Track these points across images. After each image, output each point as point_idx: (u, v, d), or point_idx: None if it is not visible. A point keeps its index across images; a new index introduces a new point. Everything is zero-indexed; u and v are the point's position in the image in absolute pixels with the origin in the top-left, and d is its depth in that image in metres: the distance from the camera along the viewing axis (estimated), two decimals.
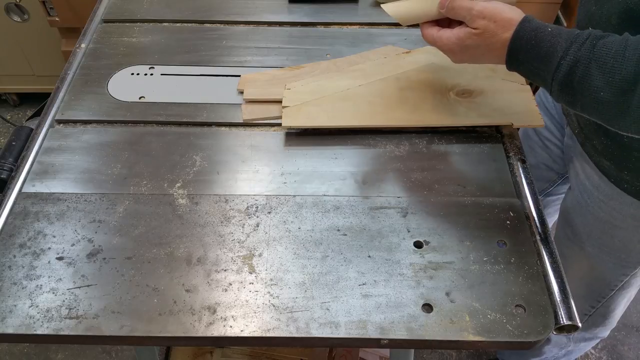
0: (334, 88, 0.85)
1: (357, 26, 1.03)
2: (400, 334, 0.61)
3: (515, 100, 0.84)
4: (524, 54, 0.64)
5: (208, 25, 1.02)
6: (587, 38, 0.60)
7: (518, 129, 0.83)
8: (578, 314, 1.02)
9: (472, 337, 0.60)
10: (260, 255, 0.68)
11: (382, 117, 0.82)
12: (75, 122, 0.84)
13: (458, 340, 0.61)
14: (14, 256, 0.67)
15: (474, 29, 0.67)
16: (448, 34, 0.71)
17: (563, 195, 1.10)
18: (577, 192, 0.89)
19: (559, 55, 0.61)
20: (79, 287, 0.64)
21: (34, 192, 0.74)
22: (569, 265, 0.96)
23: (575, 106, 0.63)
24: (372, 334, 0.61)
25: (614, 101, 0.58)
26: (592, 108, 0.61)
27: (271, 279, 0.65)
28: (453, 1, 0.71)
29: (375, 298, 0.64)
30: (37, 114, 0.86)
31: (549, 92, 0.64)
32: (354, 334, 0.61)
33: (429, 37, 0.73)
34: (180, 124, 0.84)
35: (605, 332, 1.09)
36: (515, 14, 0.66)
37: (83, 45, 0.96)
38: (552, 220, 1.23)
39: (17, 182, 0.75)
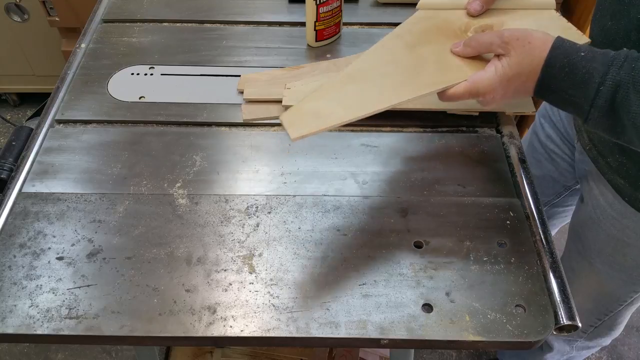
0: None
1: (357, 26, 1.03)
2: (400, 334, 0.61)
3: None
4: (556, 82, 0.61)
5: (208, 25, 1.02)
6: (625, 60, 0.57)
7: (517, 126, 0.83)
8: (583, 326, 1.02)
9: (472, 337, 0.60)
10: (260, 255, 0.68)
11: (408, 88, 0.68)
12: (75, 122, 0.84)
13: (458, 340, 0.61)
14: (14, 256, 0.67)
15: (509, 55, 0.63)
16: (486, 75, 0.65)
17: (570, 207, 1.08)
18: (590, 208, 0.87)
19: (597, 80, 0.58)
20: (79, 287, 0.64)
21: (34, 192, 0.74)
22: (577, 280, 0.95)
23: (614, 132, 0.60)
24: (372, 334, 0.61)
25: None
26: (633, 134, 0.58)
27: (271, 279, 0.65)
28: (475, 35, 0.67)
29: (375, 298, 0.64)
30: (37, 114, 0.86)
31: (583, 120, 0.61)
32: (354, 334, 0.61)
33: (459, 93, 0.66)
34: (180, 124, 0.84)
35: (608, 341, 1.08)
36: (545, 35, 0.62)
37: (83, 45, 0.97)
38: (555, 230, 1.23)
39: (17, 182, 0.75)
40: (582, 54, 0.59)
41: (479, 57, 0.70)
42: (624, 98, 0.56)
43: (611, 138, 0.62)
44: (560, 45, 0.61)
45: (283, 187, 0.75)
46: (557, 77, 0.61)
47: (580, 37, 0.71)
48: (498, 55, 0.65)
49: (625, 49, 0.59)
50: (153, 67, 0.93)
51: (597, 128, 0.62)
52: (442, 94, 0.69)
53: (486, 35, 0.66)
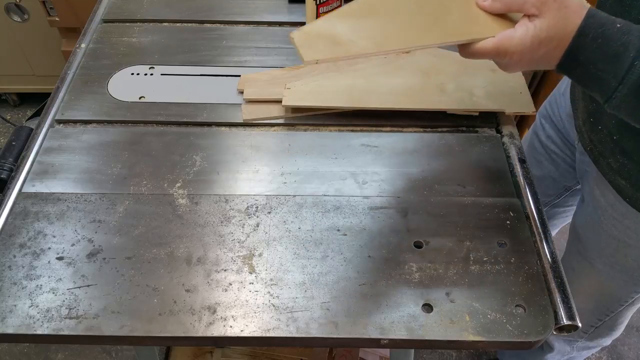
0: (334, 87, 0.85)
1: None
2: (400, 334, 0.61)
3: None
4: (586, 53, 0.57)
5: (208, 25, 1.02)
6: None
7: (517, 126, 0.83)
8: (584, 327, 1.02)
9: (472, 337, 0.60)
10: (260, 255, 0.68)
11: (434, 33, 0.64)
12: (75, 122, 0.84)
13: (458, 340, 0.61)
14: (14, 256, 0.67)
15: (542, 17, 0.58)
16: (517, 34, 0.60)
17: (570, 207, 1.08)
18: (590, 208, 0.86)
19: (632, 54, 0.54)
20: (79, 287, 0.64)
21: (34, 192, 0.74)
22: (578, 281, 0.95)
23: (637, 115, 0.58)
24: (372, 334, 0.61)
25: None
26: None
27: (271, 279, 0.65)
28: None
29: (375, 298, 0.64)
30: (37, 114, 0.86)
31: (605, 99, 0.58)
32: (354, 334, 0.61)
33: (486, 49, 0.62)
34: (180, 124, 0.84)
35: (609, 341, 1.08)
36: (582, 1, 0.58)
37: (83, 45, 0.97)
38: (555, 230, 1.22)
39: (17, 182, 0.75)
40: (618, 25, 0.56)
41: (505, 16, 0.65)
42: None
43: (630, 121, 0.60)
44: (595, 14, 0.57)
45: (283, 187, 0.75)
46: (588, 48, 0.57)
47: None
48: (529, 16, 0.60)
49: None
50: (153, 67, 0.93)
51: (619, 109, 0.59)
52: (465, 49, 0.64)
53: None
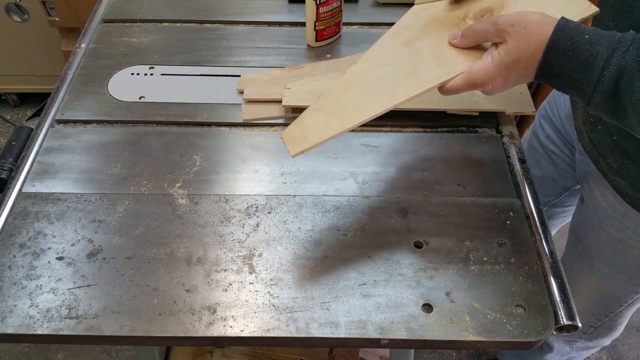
0: None
1: (357, 26, 1.03)
2: (400, 334, 0.61)
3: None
4: (559, 65, 0.59)
5: (208, 25, 1.02)
6: (631, 44, 0.55)
7: (517, 126, 0.83)
8: (584, 327, 1.02)
9: (472, 337, 0.60)
10: (260, 255, 0.68)
11: (405, 88, 0.66)
12: (75, 122, 0.84)
13: (458, 340, 0.61)
14: (14, 256, 0.67)
15: (505, 43, 0.61)
16: (483, 65, 0.63)
17: (570, 207, 1.08)
18: (590, 209, 0.86)
19: (600, 65, 0.56)
20: (79, 287, 0.64)
21: (34, 192, 0.74)
22: (577, 281, 0.95)
23: (616, 116, 0.59)
24: (372, 334, 0.61)
25: None
26: (633, 120, 0.57)
27: (271, 279, 0.65)
28: (472, 25, 0.66)
29: (375, 298, 0.64)
30: (37, 114, 0.86)
31: (586, 103, 0.60)
32: (354, 334, 0.61)
33: (457, 86, 0.65)
34: (180, 124, 0.84)
35: (608, 341, 1.08)
36: (542, 17, 0.61)
37: (83, 45, 0.97)
38: (555, 230, 1.22)
39: (17, 182, 0.75)
40: (587, 36, 0.57)
41: (477, 47, 0.67)
42: (627, 84, 0.54)
43: (612, 121, 0.61)
44: (565, 26, 0.59)
45: (283, 187, 0.75)
46: (560, 60, 0.59)
47: (588, 7, 0.67)
48: (495, 44, 0.63)
49: (632, 31, 0.57)
50: (153, 67, 0.93)
51: (599, 112, 0.60)
52: (441, 89, 0.67)
53: (481, 24, 0.64)
